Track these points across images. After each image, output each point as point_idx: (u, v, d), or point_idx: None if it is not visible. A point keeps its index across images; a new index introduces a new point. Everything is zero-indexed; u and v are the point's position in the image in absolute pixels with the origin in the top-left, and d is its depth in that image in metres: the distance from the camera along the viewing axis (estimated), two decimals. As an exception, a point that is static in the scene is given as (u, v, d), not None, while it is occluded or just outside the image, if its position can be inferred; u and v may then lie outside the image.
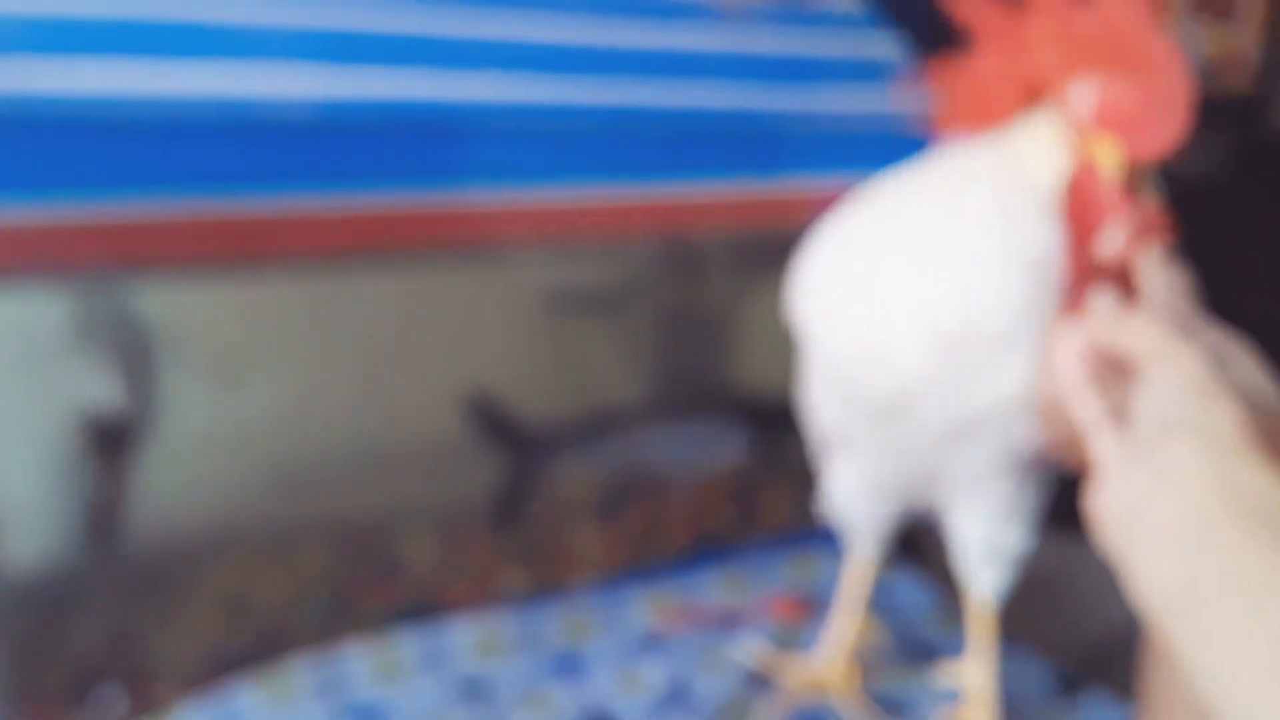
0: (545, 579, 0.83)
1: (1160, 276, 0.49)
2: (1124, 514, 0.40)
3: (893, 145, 0.56)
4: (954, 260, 0.52)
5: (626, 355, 0.88)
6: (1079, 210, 0.50)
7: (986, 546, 0.62)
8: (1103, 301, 0.49)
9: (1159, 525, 0.39)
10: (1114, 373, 0.46)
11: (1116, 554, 0.40)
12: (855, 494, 0.65)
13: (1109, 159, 0.48)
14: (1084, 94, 0.48)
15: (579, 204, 0.73)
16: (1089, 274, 0.50)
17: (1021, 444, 0.55)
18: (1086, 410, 0.45)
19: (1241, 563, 0.36)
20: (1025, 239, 0.51)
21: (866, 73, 0.88)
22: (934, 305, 0.52)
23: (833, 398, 0.60)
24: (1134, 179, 0.48)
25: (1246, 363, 0.46)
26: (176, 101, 0.59)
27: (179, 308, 0.68)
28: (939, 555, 0.68)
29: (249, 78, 0.61)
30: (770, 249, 0.80)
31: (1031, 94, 0.51)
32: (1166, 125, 0.46)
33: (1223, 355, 0.45)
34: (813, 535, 0.92)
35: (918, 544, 0.98)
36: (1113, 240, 0.49)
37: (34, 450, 0.67)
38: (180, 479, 0.73)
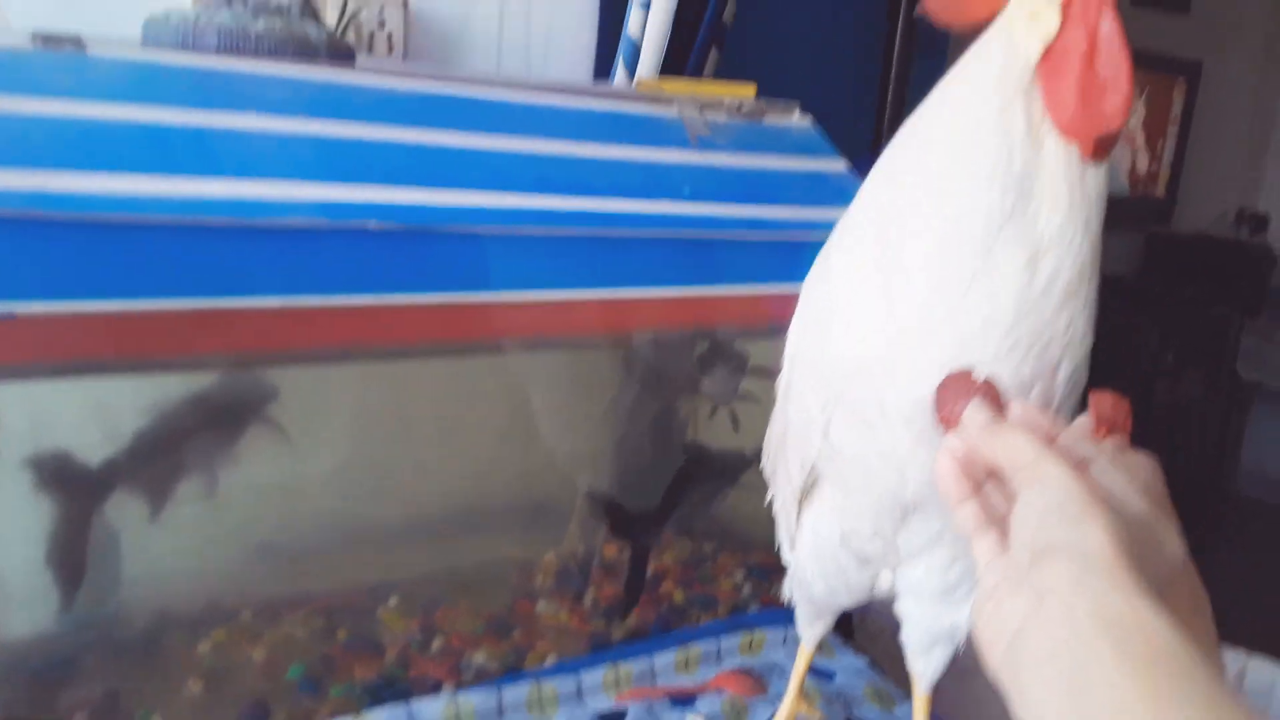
0: (514, 656, 0.86)
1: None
2: (1005, 642, 0.39)
3: None
4: (941, 184, 0.53)
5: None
6: (1064, 72, 0.51)
7: (931, 631, 0.64)
8: (977, 412, 0.49)
9: (1038, 656, 0.38)
10: (995, 480, 0.47)
11: (1001, 681, 0.40)
12: (826, 557, 0.66)
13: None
14: None
15: (562, 303, 0.78)
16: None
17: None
18: (963, 519, 0.46)
19: (1123, 695, 0.35)
20: (1008, 154, 0.52)
21: (817, 186, 0.95)
22: (923, 234, 0.53)
23: (818, 411, 0.60)
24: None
25: (1112, 473, 0.45)
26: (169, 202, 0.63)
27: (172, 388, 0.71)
28: (883, 638, 0.72)
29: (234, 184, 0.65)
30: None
31: None
32: None
33: (1093, 462, 0.45)
34: (766, 615, 0.97)
35: (863, 626, 1.03)
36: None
37: (23, 520, 0.68)
38: (167, 550, 0.75)
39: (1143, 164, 3.30)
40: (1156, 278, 3.36)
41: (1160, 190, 3.36)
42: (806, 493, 0.65)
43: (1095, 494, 0.41)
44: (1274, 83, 3.62)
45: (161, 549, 0.75)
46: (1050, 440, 0.46)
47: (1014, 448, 0.45)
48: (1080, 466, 0.44)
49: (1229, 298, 3.28)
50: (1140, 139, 3.26)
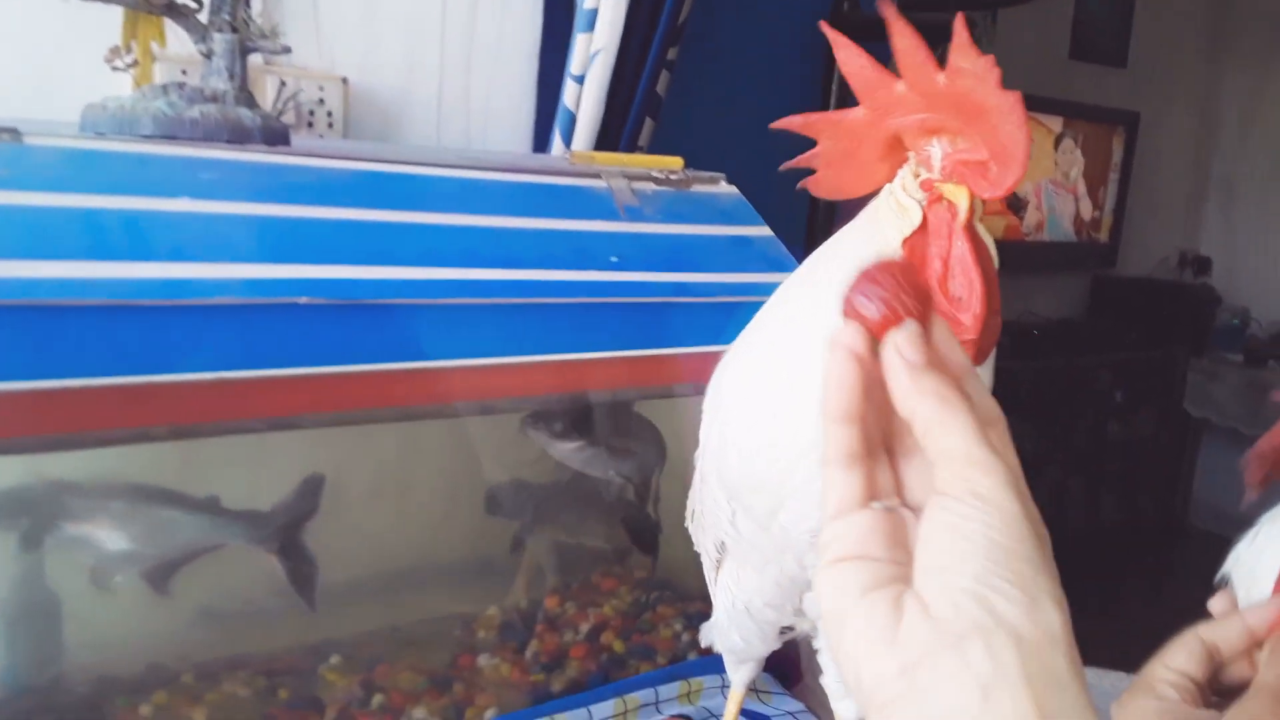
0: (454, 711, 0.89)
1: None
2: (891, 693, 0.33)
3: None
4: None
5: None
6: (919, 258, 0.52)
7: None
8: (910, 345, 0.38)
9: None
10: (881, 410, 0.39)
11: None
12: (739, 610, 0.69)
13: (958, 199, 0.50)
14: (934, 149, 0.51)
15: (492, 368, 0.82)
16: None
17: None
18: (836, 440, 0.38)
19: None
20: None
21: (742, 251, 1.00)
22: (811, 381, 0.49)
23: (724, 502, 0.63)
24: (973, 220, 0.51)
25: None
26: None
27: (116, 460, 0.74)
28: (814, 686, 0.75)
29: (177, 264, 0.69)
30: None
31: (897, 149, 0.53)
32: (1007, 171, 0.48)
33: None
34: (703, 662, 1.00)
35: (794, 669, 1.06)
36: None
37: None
38: (108, 616, 0.77)
39: (1086, 210, 3.40)
40: (1104, 320, 3.45)
41: (1104, 235, 3.46)
42: (720, 561, 0.69)
43: (1044, 544, 0.35)
44: (1210, 131, 3.75)
45: (102, 613, 0.77)
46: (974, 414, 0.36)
47: (948, 423, 0.36)
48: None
49: (1175, 338, 3.37)
50: (1082, 187, 3.36)
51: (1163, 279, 3.64)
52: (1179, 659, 0.54)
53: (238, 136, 0.78)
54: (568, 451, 0.96)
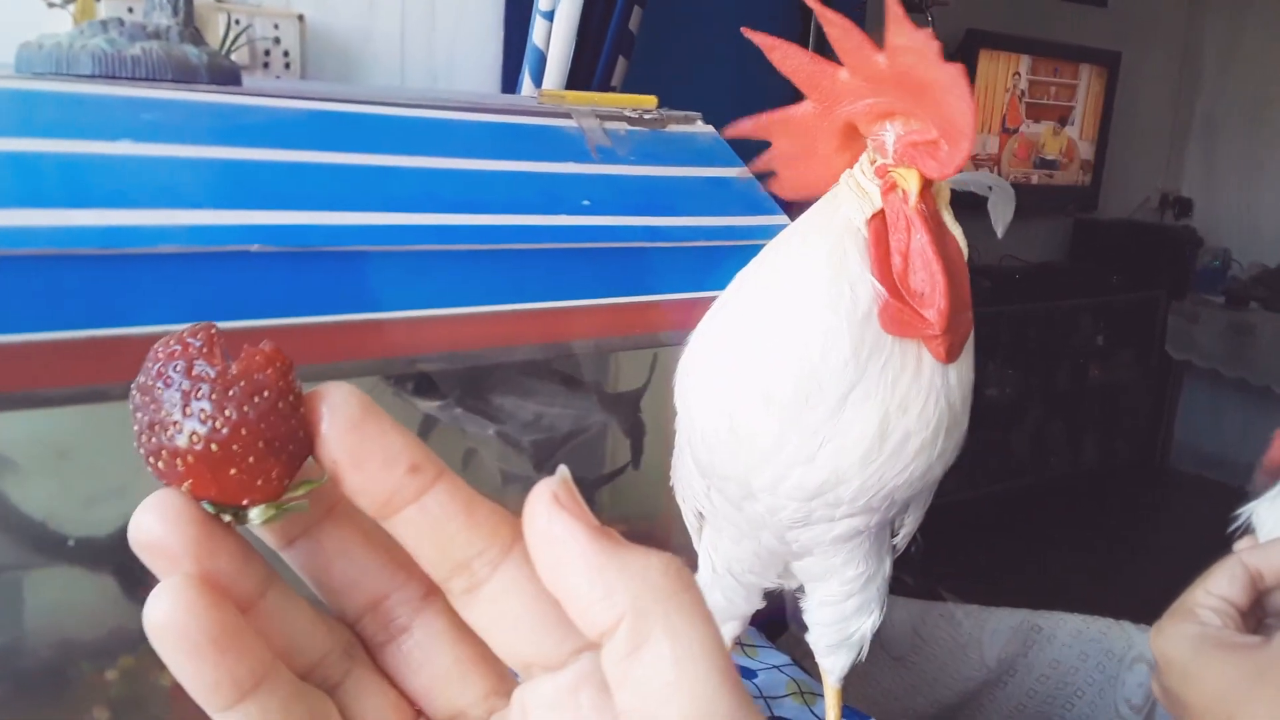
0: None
1: None
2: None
3: (750, 257, 0.58)
4: (785, 323, 0.51)
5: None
6: (883, 241, 0.51)
7: (837, 634, 0.66)
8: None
9: None
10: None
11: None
12: (720, 572, 0.68)
13: (908, 183, 0.49)
14: (887, 133, 0.50)
15: (460, 318, 0.78)
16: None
17: (865, 523, 0.56)
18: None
19: None
20: (849, 289, 0.50)
21: (720, 193, 0.96)
22: (769, 372, 0.51)
23: (697, 476, 0.61)
24: (933, 200, 0.50)
25: None
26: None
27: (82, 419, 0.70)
28: (800, 637, 0.74)
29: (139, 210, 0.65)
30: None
31: (850, 137, 0.52)
32: (955, 149, 0.47)
33: None
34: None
35: (782, 624, 1.04)
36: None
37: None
38: (71, 578, 0.74)
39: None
40: (1085, 263, 3.43)
41: (1086, 178, 3.43)
42: (700, 527, 0.68)
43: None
44: (1192, 71, 3.72)
45: (65, 576, 0.74)
46: None
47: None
48: None
49: (1156, 280, 3.36)
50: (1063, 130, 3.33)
51: (1144, 221, 3.62)
52: (1221, 584, 0.52)
53: (183, 75, 0.73)
54: (432, 409, 0.92)
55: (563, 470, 0.24)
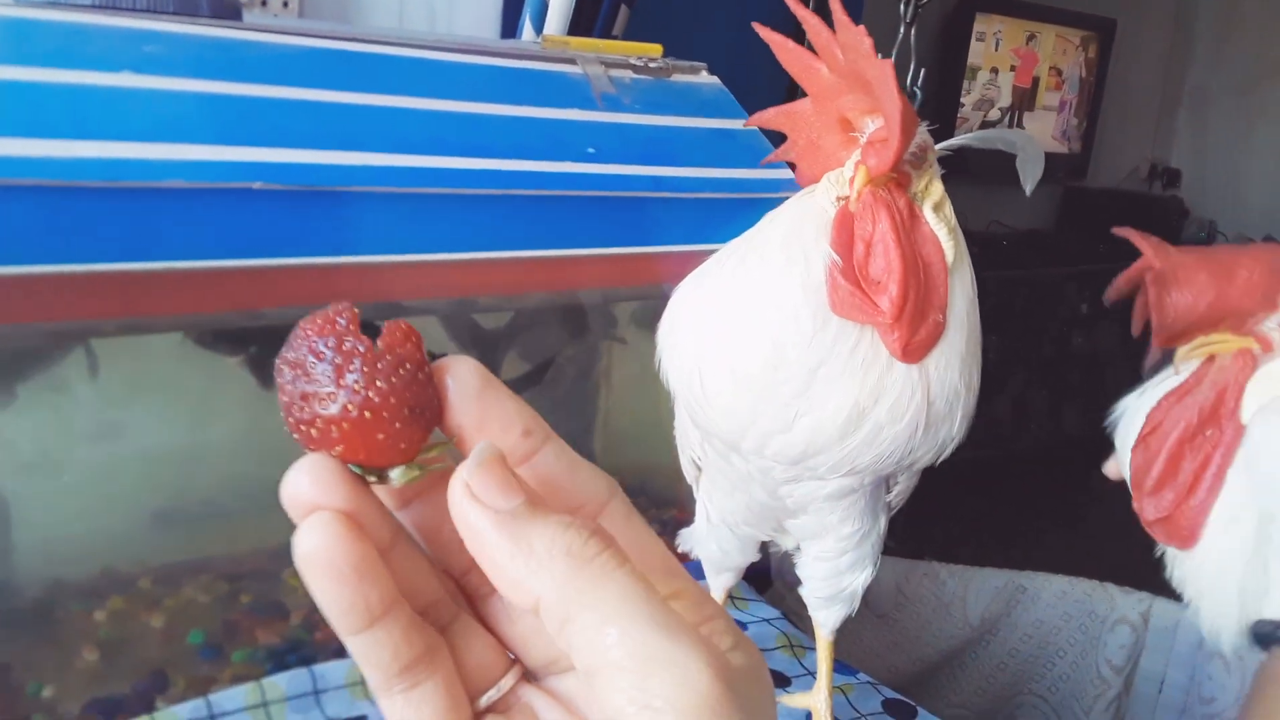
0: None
1: None
2: None
3: (755, 210, 0.58)
4: (751, 296, 0.52)
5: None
6: (846, 227, 0.51)
7: (830, 588, 0.66)
8: None
9: None
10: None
11: None
12: (716, 523, 0.68)
13: (858, 178, 0.50)
14: (869, 128, 0.51)
15: (460, 264, 0.77)
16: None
17: (858, 482, 0.56)
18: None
19: None
20: (809, 266, 0.50)
21: (723, 144, 0.95)
22: (735, 344, 0.52)
23: (691, 426, 0.61)
24: (905, 195, 0.51)
25: None
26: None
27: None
28: (792, 590, 0.74)
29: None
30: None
31: (851, 130, 0.52)
32: (886, 144, 0.48)
33: None
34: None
35: (780, 576, 1.05)
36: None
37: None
38: (61, 518, 0.74)
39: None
40: (1072, 231, 3.44)
41: (1076, 146, 3.43)
42: (698, 477, 0.67)
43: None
44: (1185, 41, 3.71)
45: (55, 516, 0.73)
46: None
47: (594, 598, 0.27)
48: None
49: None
50: (1055, 98, 3.32)
51: (1132, 190, 3.63)
52: None
53: (184, 8, 0.72)
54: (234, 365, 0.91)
55: (481, 448, 0.26)
